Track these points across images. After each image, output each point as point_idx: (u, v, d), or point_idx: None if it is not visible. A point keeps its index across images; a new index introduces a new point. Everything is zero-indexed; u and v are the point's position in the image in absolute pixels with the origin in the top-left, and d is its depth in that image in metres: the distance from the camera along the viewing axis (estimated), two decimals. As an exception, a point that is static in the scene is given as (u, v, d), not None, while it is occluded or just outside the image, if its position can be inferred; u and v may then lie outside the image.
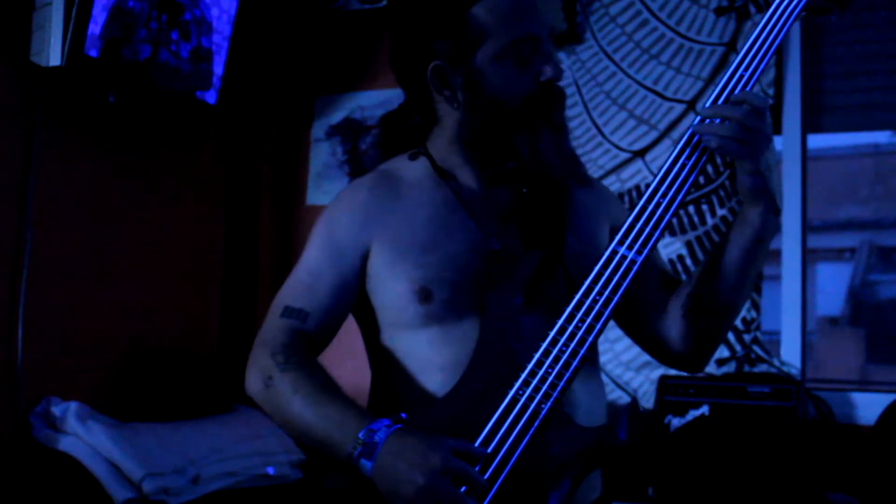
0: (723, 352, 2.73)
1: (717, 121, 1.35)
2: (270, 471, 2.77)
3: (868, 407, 2.60)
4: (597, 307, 1.33)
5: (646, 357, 2.38)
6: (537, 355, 1.32)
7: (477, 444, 1.29)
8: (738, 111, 1.34)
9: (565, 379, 1.31)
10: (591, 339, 1.32)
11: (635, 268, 1.34)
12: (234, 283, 3.30)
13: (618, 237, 1.36)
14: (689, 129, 1.38)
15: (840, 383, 3.09)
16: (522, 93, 1.42)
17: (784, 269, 2.81)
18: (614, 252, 1.35)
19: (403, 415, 1.30)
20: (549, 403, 1.30)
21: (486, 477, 1.27)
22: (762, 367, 2.70)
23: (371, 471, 1.25)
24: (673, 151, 1.38)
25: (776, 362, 2.71)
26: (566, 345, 1.31)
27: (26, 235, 2.53)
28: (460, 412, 1.33)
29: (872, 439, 2.40)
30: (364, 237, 1.45)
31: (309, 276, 1.46)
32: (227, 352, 3.22)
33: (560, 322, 1.33)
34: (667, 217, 1.35)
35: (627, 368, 2.80)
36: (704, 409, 2.55)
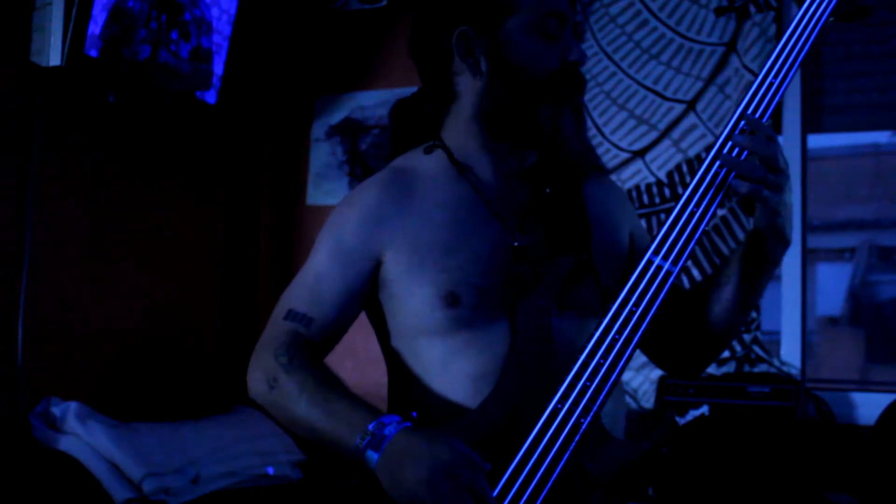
0: (723, 352, 2.74)
1: (746, 154, 1.29)
2: (270, 471, 2.77)
3: (868, 407, 2.60)
4: (634, 318, 1.29)
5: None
6: (576, 367, 1.28)
7: (517, 459, 1.25)
8: (769, 148, 1.28)
9: (605, 392, 1.28)
10: (629, 351, 1.29)
11: (671, 279, 1.30)
12: (234, 283, 3.30)
13: (653, 247, 1.31)
14: (722, 136, 1.32)
15: (840, 383, 3.08)
16: (548, 68, 1.38)
17: (784, 269, 2.80)
18: (650, 262, 1.30)
19: (415, 413, 1.28)
20: (588, 417, 1.26)
21: (528, 492, 1.24)
22: (762, 367, 2.70)
23: (376, 462, 1.22)
24: (706, 159, 1.33)
25: (776, 362, 2.70)
26: (604, 357, 1.28)
27: (26, 235, 2.53)
28: (495, 424, 1.30)
29: (872, 439, 2.40)
30: (376, 244, 1.40)
31: (316, 281, 1.41)
32: (227, 352, 3.22)
33: (598, 333, 1.29)
34: (701, 227, 1.31)
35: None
36: (704, 409, 2.54)
